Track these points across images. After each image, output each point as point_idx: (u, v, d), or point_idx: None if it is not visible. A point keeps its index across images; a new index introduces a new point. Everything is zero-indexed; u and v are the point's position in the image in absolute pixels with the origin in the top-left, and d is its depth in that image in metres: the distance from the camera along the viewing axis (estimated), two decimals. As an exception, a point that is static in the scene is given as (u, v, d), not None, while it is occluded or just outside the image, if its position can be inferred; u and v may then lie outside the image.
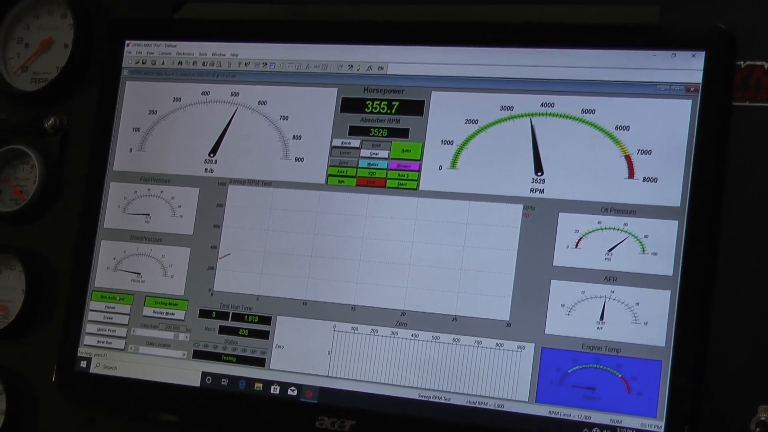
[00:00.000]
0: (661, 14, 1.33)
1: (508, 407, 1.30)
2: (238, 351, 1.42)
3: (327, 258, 1.40)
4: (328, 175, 1.42)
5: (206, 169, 1.47)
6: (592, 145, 1.31)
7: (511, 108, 1.35)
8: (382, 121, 1.40)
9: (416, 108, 1.39)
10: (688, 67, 1.29)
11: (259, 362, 1.40)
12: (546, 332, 1.30)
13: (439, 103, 1.38)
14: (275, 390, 1.40)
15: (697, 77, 1.28)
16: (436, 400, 1.33)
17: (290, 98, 1.45)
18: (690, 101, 1.28)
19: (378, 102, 1.41)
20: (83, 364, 1.49)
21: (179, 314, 1.45)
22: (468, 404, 1.31)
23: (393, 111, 1.40)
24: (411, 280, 1.36)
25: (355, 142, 1.41)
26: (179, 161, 1.49)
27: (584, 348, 1.28)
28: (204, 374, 1.43)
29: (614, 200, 1.29)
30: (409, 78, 1.40)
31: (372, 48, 1.43)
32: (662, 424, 1.24)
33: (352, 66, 1.43)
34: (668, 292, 1.25)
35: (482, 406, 1.31)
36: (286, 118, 1.45)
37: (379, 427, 1.35)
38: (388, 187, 1.39)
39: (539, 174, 1.32)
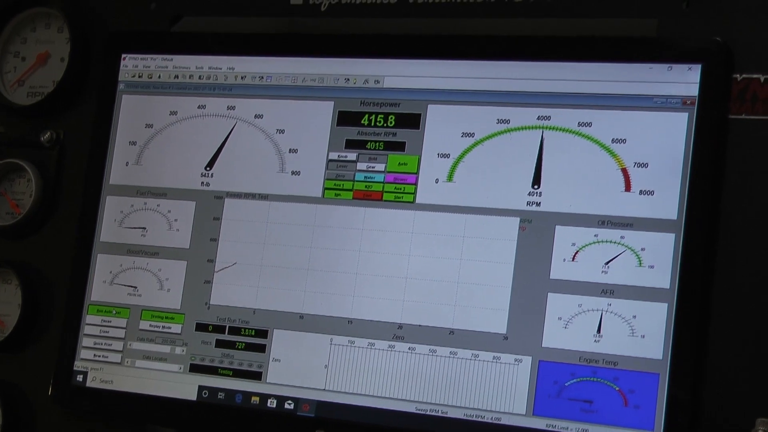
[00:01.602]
0: (658, 27, 1.33)
1: (505, 420, 1.30)
2: (235, 364, 1.41)
3: (324, 271, 1.40)
4: (325, 189, 1.42)
5: (203, 183, 1.47)
6: (588, 158, 1.31)
7: (507, 121, 1.35)
8: (378, 134, 1.40)
9: (413, 121, 1.39)
10: (685, 80, 1.29)
11: (256, 376, 1.40)
12: (543, 345, 1.29)
13: (435, 116, 1.38)
14: (272, 404, 1.39)
15: (694, 90, 1.28)
16: (433, 413, 1.33)
17: (286, 112, 1.45)
18: (686, 114, 1.28)
19: (374, 115, 1.41)
20: (80, 377, 1.48)
21: (176, 328, 1.45)
22: (465, 417, 1.31)
23: (389, 124, 1.40)
24: (408, 293, 1.36)
25: (352, 156, 1.41)
26: (175, 175, 1.49)
27: (581, 361, 1.28)
28: (201, 388, 1.43)
29: (611, 213, 1.29)
30: (405, 91, 1.40)
31: (368, 61, 1.43)
32: (660, 437, 1.24)
33: (348, 79, 1.43)
34: (665, 305, 1.25)
35: (479, 419, 1.31)
36: (282, 131, 1.45)
37: (376, 441, 1.35)
38: (385, 201, 1.39)
39: (536, 187, 1.32)
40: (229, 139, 1.47)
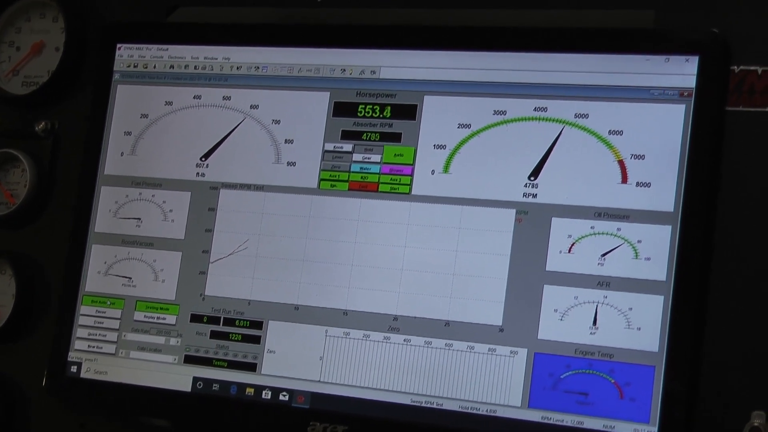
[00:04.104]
0: (655, 19, 1.32)
1: (500, 413, 1.30)
2: (230, 356, 1.41)
3: (319, 263, 1.39)
4: (320, 180, 1.41)
5: (198, 173, 1.47)
6: (585, 149, 1.31)
7: (504, 112, 1.35)
8: (374, 125, 1.40)
9: (409, 112, 1.39)
10: (682, 71, 1.28)
11: (251, 367, 1.40)
12: (539, 337, 1.29)
13: (431, 107, 1.38)
14: (267, 395, 1.39)
15: (691, 82, 1.28)
16: (429, 405, 1.32)
17: (282, 102, 1.45)
18: (683, 106, 1.28)
19: (370, 106, 1.41)
20: (74, 368, 1.48)
21: (170, 319, 1.45)
22: (460, 409, 1.31)
23: (385, 115, 1.40)
24: (403, 284, 1.35)
25: (348, 147, 1.41)
26: (171, 165, 1.48)
27: (577, 353, 1.27)
28: (195, 379, 1.42)
29: (607, 205, 1.29)
30: (401, 82, 1.40)
31: (364, 52, 1.42)
32: (655, 429, 1.23)
33: (344, 70, 1.43)
34: (661, 298, 1.25)
35: (475, 411, 1.30)
36: (278, 122, 1.44)
37: (371, 433, 1.35)
38: (381, 192, 1.38)
39: (532, 178, 1.32)
40: (224, 129, 1.46)
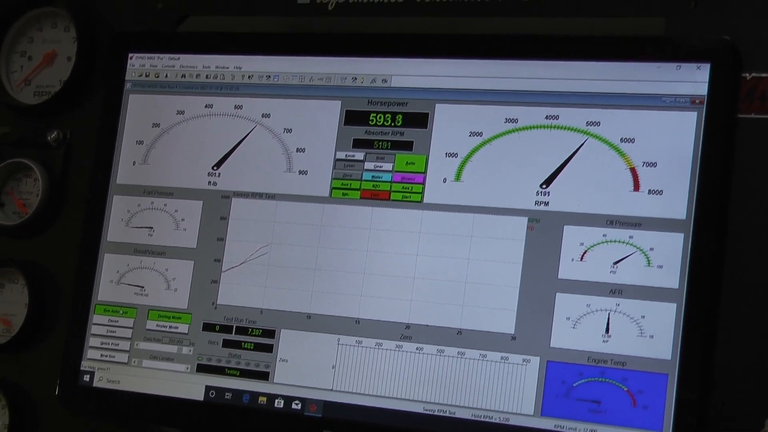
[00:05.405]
0: (666, 26, 1.32)
1: (513, 421, 1.29)
2: (242, 364, 1.41)
3: (331, 271, 1.39)
4: (332, 188, 1.41)
5: (210, 182, 1.47)
6: (597, 157, 1.31)
7: (515, 120, 1.35)
8: (386, 133, 1.40)
9: (420, 120, 1.39)
10: (693, 79, 1.28)
11: (263, 376, 1.40)
12: (551, 345, 1.29)
13: (443, 115, 1.38)
14: (279, 404, 1.39)
15: (703, 89, 1.28)
16: (441, 413, 1.32)
17: (294, 111, 1.45)
18: (695, 113, 1.28)
19: (382, 114, 1.41)
20: (86, 377, 1.48)
21: (183, 328, 1.45)
22: (473, 418, 1.31)
23: (397, 123, 1.40)
24: (415, 293, 1.35)
25: (359, 155, 1.41)
26: (182, 174, 1.48)
27: (590, 361, 1.27)
28: (208, 388, 1.42)
29: (619, 213, 1.29)
30: (413, 90, 1.40)
31: (376, 60, 1.43)
32: (668, 437, 1.24)
33: (355, 78, 1.43)
34: (674, 305, 1.25)
35: (487, 419, 1.30)
36: (289, 130, 1.45)
37: (384, 441, 1.35)
38: (392, 200, 1.38)
39: (544, 186, 1.32)
40: (235, 138, 1.46)
